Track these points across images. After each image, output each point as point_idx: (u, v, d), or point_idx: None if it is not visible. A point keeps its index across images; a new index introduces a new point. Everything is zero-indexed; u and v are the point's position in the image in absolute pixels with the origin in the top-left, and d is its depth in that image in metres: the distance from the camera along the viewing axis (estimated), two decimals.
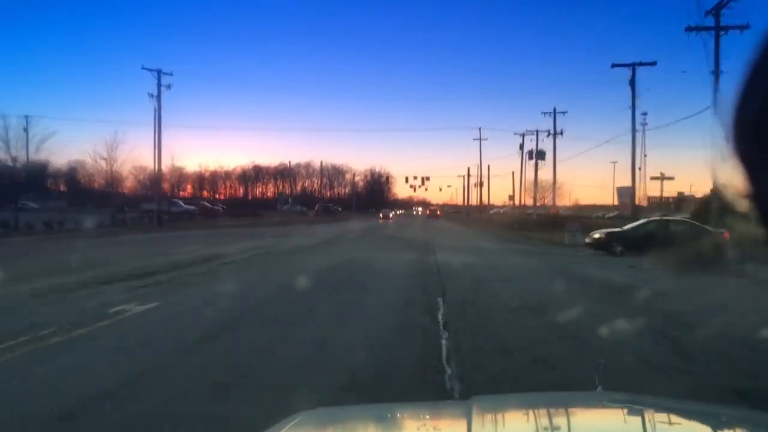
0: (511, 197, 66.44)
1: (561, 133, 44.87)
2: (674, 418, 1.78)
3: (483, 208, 73.94)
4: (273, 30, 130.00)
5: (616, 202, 79.58)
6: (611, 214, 66.93)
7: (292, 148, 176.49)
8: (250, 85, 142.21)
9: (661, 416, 1.79)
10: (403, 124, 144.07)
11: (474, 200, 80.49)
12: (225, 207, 65.55)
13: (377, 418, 2.00)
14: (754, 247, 11.49)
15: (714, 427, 1.74)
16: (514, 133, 60.02)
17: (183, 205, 46.65)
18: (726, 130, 0.73)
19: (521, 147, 56.81)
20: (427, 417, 2.03)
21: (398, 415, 2.08)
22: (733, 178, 0.74)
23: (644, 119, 61.66)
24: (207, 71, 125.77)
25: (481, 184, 74.12)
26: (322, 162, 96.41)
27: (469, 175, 78.14)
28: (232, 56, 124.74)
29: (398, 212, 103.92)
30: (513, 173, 67.31)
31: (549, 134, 44.97)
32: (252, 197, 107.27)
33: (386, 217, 71.72)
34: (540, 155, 50.19)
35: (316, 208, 75.56)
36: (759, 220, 0.75)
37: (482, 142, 65.35)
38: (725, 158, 0.73)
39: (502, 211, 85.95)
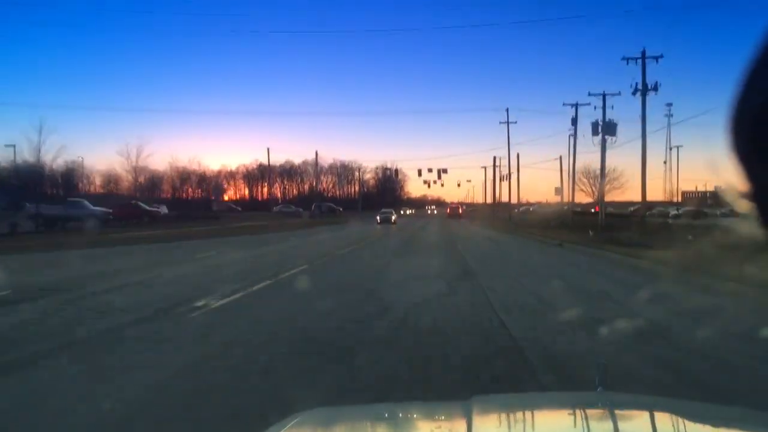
0: (558, 190, 48.69)
1: (656, 89, 27.22)
2: (674, 418, 1.66)
3: (509, 206, 55.88)
4: (271, 19, 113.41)
5: (662, 197, 62.05)
6: (676, 211, 49.88)
7: (299, 144, 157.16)
8: (247, 80, 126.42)
9: (661, 416, 1.69)
10: (414, 106, 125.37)
11: (499, 196, 62.24)
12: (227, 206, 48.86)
13: (376, 418, 1.90)
14: None
15: (714, 427, 1.64)
16: (564, 104, 42.83)
17: (90, 207, 30.32)
18: (727, 128, 0.71)
19: (574, 122, 39.62)
20: (428, 417, 1.90)
21: (398, 415, 1.97)
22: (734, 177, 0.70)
23: (669, 110, 46.05)
24: (208, 65, 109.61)
25: (509, 176, 56.49)
26: (317, 152, 78.33)
27: (495, 165, 60.32)
28: (232, 52, 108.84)
29: (408, 212, 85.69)
30: (561, 157, 49.12)
31: (636, 91, 27.31)
32: (261, 198, 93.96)
33: (386, 220, 45.92)
34: (609, 129, 32.69)
35: (312, 208, 59.99)
36: (759, 220, 0.72)
37: (510, 125, 48.35)
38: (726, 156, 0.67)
39: (531, 209, 68.23)
